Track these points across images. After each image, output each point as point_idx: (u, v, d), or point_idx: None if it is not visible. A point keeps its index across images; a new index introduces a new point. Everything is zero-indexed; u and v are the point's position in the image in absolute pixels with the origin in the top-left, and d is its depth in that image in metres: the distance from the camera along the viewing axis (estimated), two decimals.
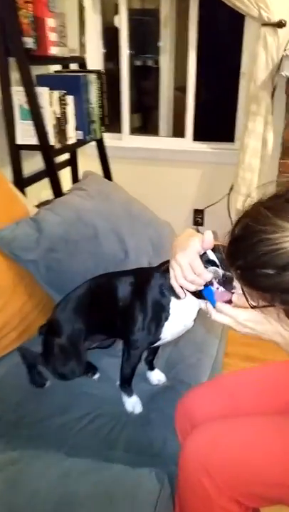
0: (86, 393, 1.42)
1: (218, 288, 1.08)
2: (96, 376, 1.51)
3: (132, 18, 3.04)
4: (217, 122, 3.19)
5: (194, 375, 1.49)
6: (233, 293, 1.08)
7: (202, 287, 1.09)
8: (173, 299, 1.24)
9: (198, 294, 1.13)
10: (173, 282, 1.12)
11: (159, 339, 1.31)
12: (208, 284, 1.08)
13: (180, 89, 3.27)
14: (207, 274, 1.07)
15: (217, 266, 1.09)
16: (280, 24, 2.55)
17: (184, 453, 1.15)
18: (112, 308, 1.35)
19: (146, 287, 1.28)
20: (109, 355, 1.56)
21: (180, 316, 1.27)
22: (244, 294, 0.96)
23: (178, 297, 1.21)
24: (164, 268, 1.23)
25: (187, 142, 3.12)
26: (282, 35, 2.60)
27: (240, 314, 1.02)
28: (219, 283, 1.08)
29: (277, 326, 1.00)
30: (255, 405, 1.26)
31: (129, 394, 1.38)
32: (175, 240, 1.17)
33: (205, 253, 1.09)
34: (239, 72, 2.91)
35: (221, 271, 1.09)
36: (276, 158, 2.78)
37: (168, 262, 1.27)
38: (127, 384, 1.38)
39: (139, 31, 3.36)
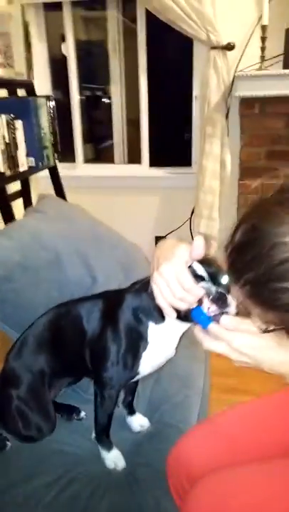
0: (56, 452, 1.18)
1: (209, 308, 0.91)
2: (83, 414, 1.28)
3: (80, 49, 2.98)
4: (173, 147, 3.12)
5: (182, 416, 1.29)
6: (226, 313, 0.91)
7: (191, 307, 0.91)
8: (151, 324, 1.06)
9: (183, 316, 0.94)
10: (160, 301, 0.93)
11: (136, 374, 1.11)
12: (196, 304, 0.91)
13: (132, 117, 3.20)
14: (198, 289, 0.89)
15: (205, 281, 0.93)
16: (229, 47, 2.55)
17: None
18: (79, 343, 1.15)
19: (118, 312, 1.09)
20: (78, 401, 1.33)
21: (160, 345, 1.08)
22: (247, 313, 0.79)
23: (157, 321, 1.04)
24: (137, 287, 1.05)
25: (144, 168, 3.02)
26: (231, 57, 2.59)
27: (236, 338, 0.85)
28: (212, 301, 0.91)
29: (283, 352, 0.83)
30: (258, 447, 1.07)
31: (108, 447, 1.16)
32: (157, 250, 0.99)
33: (190, 266, 0.92)
34: (192, 96, 2.87)
35: (212, 286, 0.92)
36: (236, 180, 2.72)
37: (141, 281, 1.09)
38: (104, 435, 1.16)
39: (87, 62, 3.30)
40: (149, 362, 1.10)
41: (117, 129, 3.18)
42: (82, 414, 1.29)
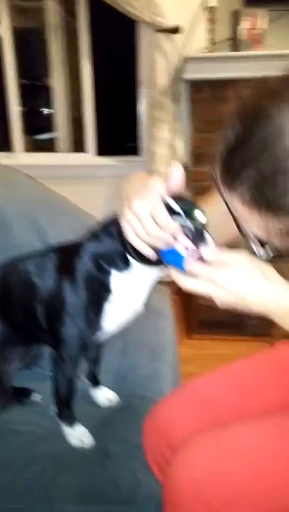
0: (10, 432, 0.99)
1: (187, 248, 0.78)
2: (34, 397, 1.10)
3: (17, 36, 2.83)
4: (120, 135, 3.03)
5: (155, 388, 1.15)
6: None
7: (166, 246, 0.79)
8: (114, 272, 0.92)
9: (153, 260, 0.83)
10: (133, 239, 0.80)
11: (100, 329, 0.97)
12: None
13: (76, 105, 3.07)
14: (175, 225, 0.77)
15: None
16: (175, 30, 2.51)
17: (171, 486, 0.80)
18: (30, 300, 0.99)
19: (75, 261, 0.95)
20: (32, 378, 1.15)
21: (126, 296, 0.95)
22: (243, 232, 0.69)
23: (121, 269, 0.91)
24: (97, 231, 0.91)
25: (89, 157, 2.88)
26: (178, 41, 2.55)
27: (219, 274, 0.73)
28: (189, 238, 0.78)
29: (272, 286, 0.72)
30: (241, 407, 0.96)
31: (71, 422, 1.00)
32: (125, 185, 0.85)
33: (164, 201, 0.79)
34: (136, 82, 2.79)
35: (189, 222, 0.80)
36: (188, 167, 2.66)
37: (100, 224, 0.95)
38: (65, 407, 1.00)
39: (26, 50, 3.15)
40: (113, 316, 0.96)
41: (60, 117, 3.03)
42: (34, 396, 1.11)
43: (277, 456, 0.79)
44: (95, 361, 1.12)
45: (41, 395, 1.09)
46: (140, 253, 0.84)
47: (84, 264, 0.94)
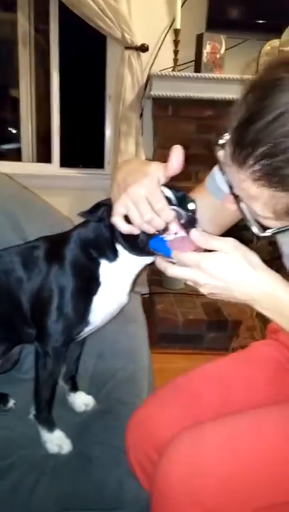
0: None
1: (176, 233, 0.79)
2: (11, 403, 1.03)
3: None
4: (85, 148, 3.02)
5: (132, 392, 1.13)
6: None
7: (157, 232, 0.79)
8: (103, 262, 0.91)
9: (141, 247, 0.83)
10: (121, 225, 0.79)
11: (87, 324, 0.95)
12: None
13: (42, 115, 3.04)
14: (170, 211, 0.78)
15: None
16: (143, 48, 2.57)
17: (159, 485, 0.79)
18: (16, 294, 0.96)
19: (64, 250, 0.93)
20: (9, 382, 1.10)
21: (113, 287, 0.94)
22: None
23: (110, 259, 0.90)
24: (88, 218, 0.89)
25: (54, 168, 2.85)
26: (144, 59, 2.62)
27: (204, 258, 0.73)
28: (182, 226, 0.80)
29: (255, 272, 0.73)
30: (224, 403, 0.96)
31: (50, 427, 0.96)
32: (118, 171, 0.85)
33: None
34: (104, 95, 2.82)
35: (182, 210, 0.81)
36: None
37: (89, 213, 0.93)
38: (46, 411, 0.96)
39: None
40: (101, 308, 0.94)
41: (25, 127, 2.98)
42: (12, 402, 1.06)
43: (265, 450, 0.80)
44: (74, 361, 1.09)
45: (17, 399, 1.04)
46: (128, 240, 0.85)
47: (73, 253, 0.92)
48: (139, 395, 1.11)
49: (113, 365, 1.20)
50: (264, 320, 2.24)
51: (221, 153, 0.73)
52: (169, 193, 0.83)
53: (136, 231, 0.80)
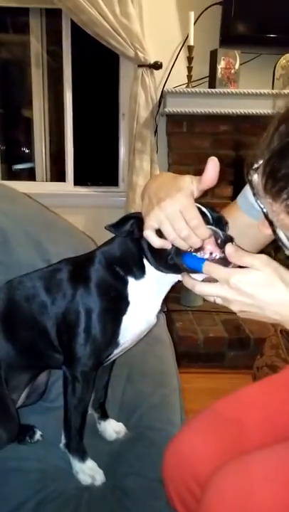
0: (14, 470, 0.89)
1: (211, 253, 0.76)
2: (38, 435, 0.98)
3: None
4: (99, 166, 3.02)
5: (164, 417, 1.07)
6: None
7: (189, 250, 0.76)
8: (131, 280, 0.88)
9: (170, 264, 0.80)
10: (154, 239, 0.76)
11: (116, 345, 0.90)
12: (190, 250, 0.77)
13: (55, 134, 3.05)
14: (206, 230, 0.74)
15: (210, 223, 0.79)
16: (156, 66, 2.58)
17: None
18: (41, 320, 0.92)
19: (88, 270, 0.90)
20: (36, 411, 1.05)
21: (142, 306, 0.90)
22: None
23: (137, 277, 0.87)
24: (120, 229, 0.84)
25: (68, 186, 2.84)
26: (157, 77, 2.62)
27: (234, 274, 0.71)
28: (218, 245, 0.76)
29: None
30: (268, 430, 0.91)
31: (83, 457, 0.91)
32: (149, 186, 0.82)
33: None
34: (117, 114, 2.82)
35: (218, 229, 0.78)
36: None
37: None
38: (77, 440, 0.91)
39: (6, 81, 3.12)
40: (130, 328, 0.90)
41: (38, 147, 2.99)
42: (38, 434, 1.01)
43: None
44: (102, 387, 1.05)
45: (45, 429, 0.99)
46: (157, 256, 0.81)
47: (99, 273, 0.89)
48: (171, 421, 1.06)
49: (142, 388, 1.15)
50: None
51: (254, 179, 0.70)
52: (206, 211, 0.80)
53: (168, 246, 0.77)
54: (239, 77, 2.50)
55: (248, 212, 0.91)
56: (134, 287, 0.87)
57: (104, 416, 1.04)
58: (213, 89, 2.48)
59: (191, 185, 0.76)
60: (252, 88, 2.45)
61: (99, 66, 2.96)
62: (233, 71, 2.50)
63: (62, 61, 2.71)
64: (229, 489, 0.74)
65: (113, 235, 0.90)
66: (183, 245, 0.75)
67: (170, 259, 0.78)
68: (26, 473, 0.87)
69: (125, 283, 0.87)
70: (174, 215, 0.74)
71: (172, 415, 1.08)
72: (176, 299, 2.68)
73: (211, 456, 0.84)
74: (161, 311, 0.99)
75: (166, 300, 2.85)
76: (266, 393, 0.98)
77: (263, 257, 0.71)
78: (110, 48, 2.52)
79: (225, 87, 2.50)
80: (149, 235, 0.76)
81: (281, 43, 2.43)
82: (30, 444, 0.97)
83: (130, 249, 0.86)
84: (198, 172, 0.76)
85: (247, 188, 0.91)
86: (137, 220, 0.82)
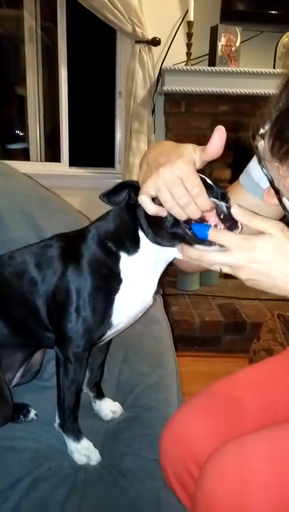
0: (8, 449, 0.85)
1: (216, 226, 0.72)
2: (32, 414, 0.95)
3: None
4: (95, 147, 2.94)
5: (162, 398, 1.04)
6: None
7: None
8: (123, 256, 0.83)
9: (167, 234, 0.75)
10: (150, 206, 0.71)
11: (109, 326, 0.86)
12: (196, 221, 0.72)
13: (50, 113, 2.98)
14: (208, 200, 0.70)
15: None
16: (154, 42, 2.50)
17: (204, 505, 0.71)
18: (31, 297, 0.89)
19: (80, 247, 0.85)
20: (31, 390, 1.02)
21: (136, 286, 0.85)
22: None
23: (130, 251, 0.82)
24: (114, 197, 0.78)
25: (63, 167, 2.78)
26: (156, 54, 2.55)
27: (246, 239, 0.67)
28: (221, 219, 0.72)
29: None
30: (267, 409, 0.88)
31: (77, 436, 0.88)
32: (148, 154, 0.77)
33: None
34: (114, 93, 2.74)
35: (224, 204, 0.73)
36: None
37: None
38: (71, 419, 0.88)
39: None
40: (123, 308, 0.86)
41: (32, 125, 2.91)
42: (33, 413, 0.97)
43: None
44: (98, 368, 1.01)
45: (40, 408, 0.96)
46: (155, 226, 0.76)
47: (90, 249, 0.84)
48: (168, 401, 1.03)
49: (139, 369, 1.12)
50: (285, 322, 2.15)
51: (260, 145, 0.66)
52: (211, 183, 0.75)
53: (164, 213, 0.72)
54: (240, 55, 2.44)
55: (253, 191, 0.86)
56: (127, 264, 0.83)
57: (99, 395, 1.01)
58: (212, 68, 2.41)
59: (193, 154, 0.71)
60: (253, 67, 2.38)
61: (95, 42, 2.87)
62: (233, 48, 2.43)
63: (57, 37, 2.62)
64: (227, 469, 0.71)
65: (109, 210, 0.85)
66: (181, 214, 0.70)
67: (170, 228, 0.73)
68: (21, 452, 0.84)
69: (117, 259, 0.83)
70: (173, 181, 0.68)
71: (169, 396, 1.05)
72: (172, 283, 2.65)
73: (210, 436, 0.81)
74: (157, 292, 0.95)
75: (163, 284, 2.81)
76: (265, 374, 0.95)
77: (278, 222, 0.67)
78: (107, 23, 2.44)
79: (225, 65, 2.43)
80: (144, 200, 0.71)
81: (284, 20, 2.36)
82: (24, 423, 0.93)
83: (125, 221, 0.81)
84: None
85: (250, 166, 0.87)
86: (133, 188, 0.76)
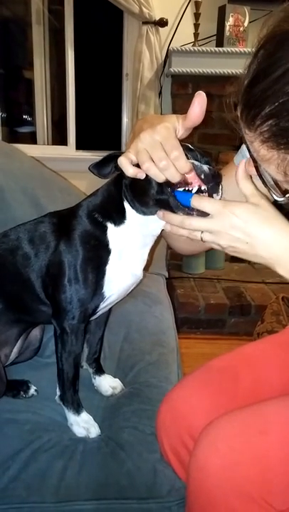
0: (9, 422, 0.88)
1: (199, 189, 0.73)
2: (33, 390, 0.98)
3: None
4: (101, 129, 2.94)
5: (162, 375, 1.06)
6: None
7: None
8: (110, 226, 0.85)
9: (149, 199, 0.77)
10: (129, 169, 0.72)
11: (102, 298, 0.89)
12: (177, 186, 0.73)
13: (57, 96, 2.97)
14: (187, 163, 0.70)
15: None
16: (162, 23, 2.47)
17: (196, 473, 0.72)
18: (26, 272, 0.91)
19: (72, 221, 0.87)
20: (32, 367, 1.05)
21: (125, 258, 0.87)
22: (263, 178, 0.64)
23: (116, 222, 0.84)
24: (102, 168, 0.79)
25: (70, 150, 2.78)
26: (163, 35, 2.52)
27: (228, 204, 0.68)
28: (204, 180, 0.73)
29: (281, 228, 0.67)
30: (261, 385, 0.90)
31: (77, 409, 0.91)
32: (136, 125, 0.78)
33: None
34: (121, 75, 2.72)
35: (204, 165, 0.74)
36: None
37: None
38: (71, 391, 0.91)
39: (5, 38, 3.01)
40: (114, 280, 0.88)
41: (39, 108, 2.91)
42: (33, 389, 1.00)
43: None
44: (96, 344, 1.03)
45: (41, 384, 0.99)
46: (138, 194, 0.78)
47: (80, 222, 0.87)
48: (168, 379, 1.05)
49: (140, 347, 1.14)
50: None
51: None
52: (192, 147, 0.76)
53: (142, 175, 0.73)
54: (248, 36, 2.39)
55: None
56: (114, 234, 0.85)
57: (99, 371, 1.03)
58: (220, 48, 2.38)
59: (175, 122, 0.73)
60: None
61: (102, 25, 2.84)
62: (241, 29, 2.39)
63: (64, 19, 2.60)
64: (222, 441, 0.73)
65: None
66: (158, 175, 0.71)
67: (155, 195, 0.75)
68: (21, 425, 0.87)
69: (104, 229, 0.85)
70: (152, 144, 0.69)
71: (169, 373, 1.07)
72: (177, 266, 2.66)
73: (206, 410, 0.83)
74: (146, 269, 0.96)
75: (168, 267, 2.81)
76: (263, 350, 0.97)
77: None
78: (114, 4, 2.41)
79: (233, 45, 2.40)
80: (123, 162, 0.72)
81: None
82: (25, 399, 0.96)
83: (111, 193, 0.84)
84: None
85: (243, 144, 0.87)
86: None
